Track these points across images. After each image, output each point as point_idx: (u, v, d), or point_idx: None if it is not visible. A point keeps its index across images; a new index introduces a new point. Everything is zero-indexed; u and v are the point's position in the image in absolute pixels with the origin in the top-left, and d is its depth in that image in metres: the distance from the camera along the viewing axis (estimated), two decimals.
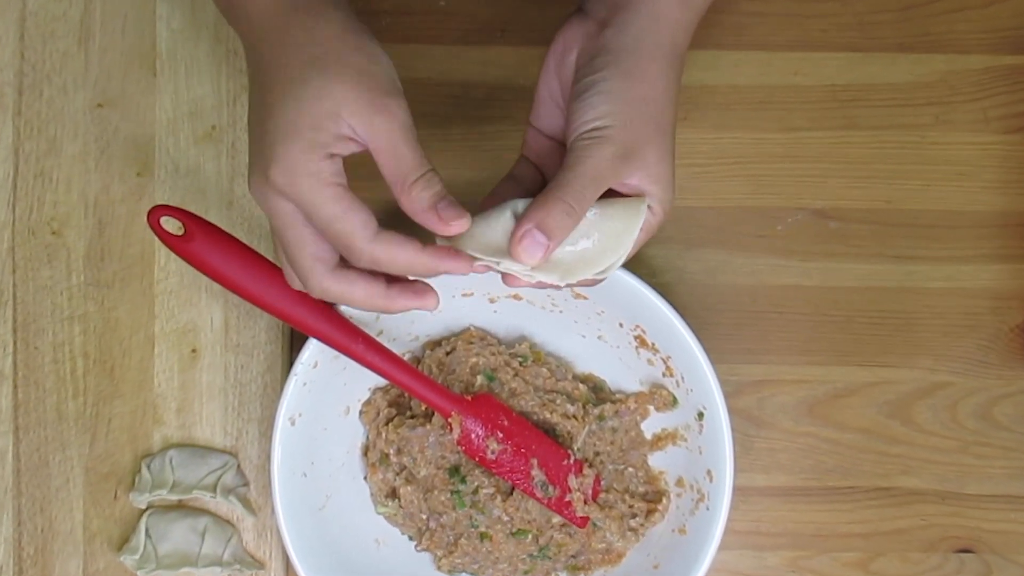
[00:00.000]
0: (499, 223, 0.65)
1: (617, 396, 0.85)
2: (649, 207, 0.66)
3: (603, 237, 0.65)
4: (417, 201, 0.62)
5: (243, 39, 0.67)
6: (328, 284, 0.65)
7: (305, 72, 0.62)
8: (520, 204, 0.65)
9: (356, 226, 0.62)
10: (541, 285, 0.66)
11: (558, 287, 0.66)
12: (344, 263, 0.66)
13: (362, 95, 0.61)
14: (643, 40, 0.66)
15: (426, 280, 0.69)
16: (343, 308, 0.76)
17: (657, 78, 0.66)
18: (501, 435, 0.80)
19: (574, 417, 0.83)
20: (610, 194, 0.66)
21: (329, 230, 0.63)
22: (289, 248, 0.65)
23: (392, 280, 0.68)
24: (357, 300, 0.67)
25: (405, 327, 0.83)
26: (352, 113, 0.61)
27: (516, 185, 0.72)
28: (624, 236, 0.66)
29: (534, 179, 0.72)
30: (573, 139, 0.65)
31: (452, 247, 0.65)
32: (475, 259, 0.65)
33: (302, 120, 0.61)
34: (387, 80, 0.63)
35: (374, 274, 0.66)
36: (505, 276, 0.67)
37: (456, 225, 0.63)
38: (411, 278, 0.69)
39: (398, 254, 0.63)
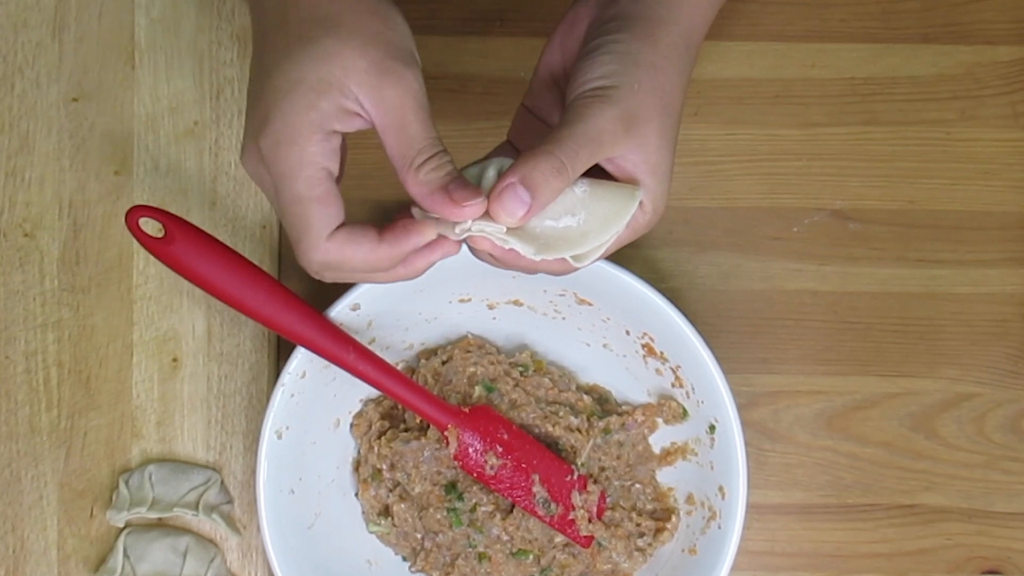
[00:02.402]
0: (481, 180, 0.63)
1: (624, 408, 0.85)
2: (640, 203, 0.65)
3: (589, 218, 0.63)
4: (424, 183, 0.60)
5: None
6: (330, 247, 0.62)
7: (313, 31, 0.59)
8: (507, 162, 0.63)
9: (317, 216, 0.60)
10: (509, 263, 0.64)
11: (533, 267, 0.64)
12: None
13: (373, 62, 0.59)
14: (660, 11, 0.65)
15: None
16: (332, 315, 0.76)
17: (671, 48, 0.64)
18: (500, 449, 0.80)
19: (578, 430, 0.83)
20: (604, 178, 0.65)
21: (287, 210, 0.61)
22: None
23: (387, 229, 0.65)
24: (360, 260, 0.63)
25: (399, 335, 0.83)
26: (360, 83, 0.59)
27: None
28: (611, 221, 0.64)
29: None
30: (574, 97, 0.63)
31: (412, 221, 0.62)
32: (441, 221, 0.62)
33: (304, 79, 0.59)
34: (403, 48, 0.61)
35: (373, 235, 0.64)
36: (473, 241, 0.63)
37: (470, 207, 0.60)
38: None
39: (353, 253, 0.61)
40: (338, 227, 0.62)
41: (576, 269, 0.65)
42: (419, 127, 0.60)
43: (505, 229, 0.62)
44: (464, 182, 0.60)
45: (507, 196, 0.60)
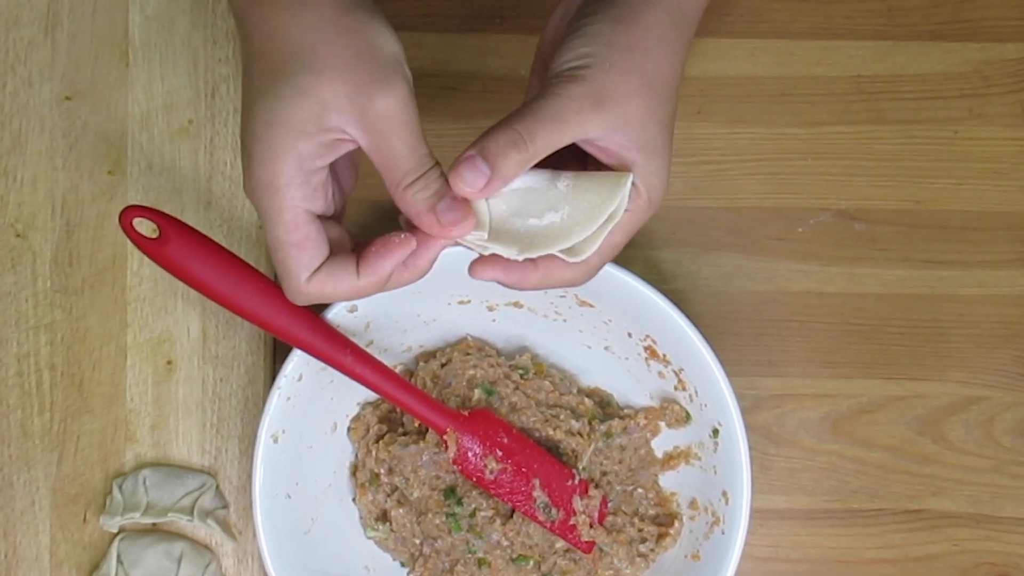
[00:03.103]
0: None
1: (626, 411, 0.84)
2: (633, 184, 0.64)
3: (574, 211, 0.64)
4: (412, 204, 0.61)
5: (235, 19, 0.66)
6: (310, 289, 0.64)
7: (289, 64, 0.60)
8: None
9: (296, 263, 0.62)
10: (516, 284, 0.65)
11: (541, 282, 0.64)
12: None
13: (353, 89, 0.59)
14: None
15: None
16: (329, 316, 0.76)
17: (651, 27, 0.64)
18: (500, 453, 0.79)
19: (579, 434, 0.82)
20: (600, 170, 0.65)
21: (272, 253, 0.63)
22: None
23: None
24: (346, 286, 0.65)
25: (397, 337, 0.83)
26: (340, 111, 0.60)
27: None
28: (598, 211, 0.63)
29: None
30: (548, 80, 0.64)
31: (385, 243, 0.63)
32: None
33: (280, 123, 0.60)
34: (386, 64, 0.61)
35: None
36: (476, 272, 0.65)
37: (459, 228, 0.62)
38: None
39: (335, 290, 0.63)
40: (319, 266, 0.63)
41: (579, 271, 0.65)
42: (404, 148, 0.61)
43: (486, 236, 0.63)
44: (452, 203, 0.61)
45: (465, 167, 0.61)
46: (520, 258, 0.63)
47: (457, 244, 0.64)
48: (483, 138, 0.62)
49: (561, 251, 0.64)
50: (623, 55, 0.63)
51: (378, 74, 0.60)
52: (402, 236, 0.63)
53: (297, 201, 0.61)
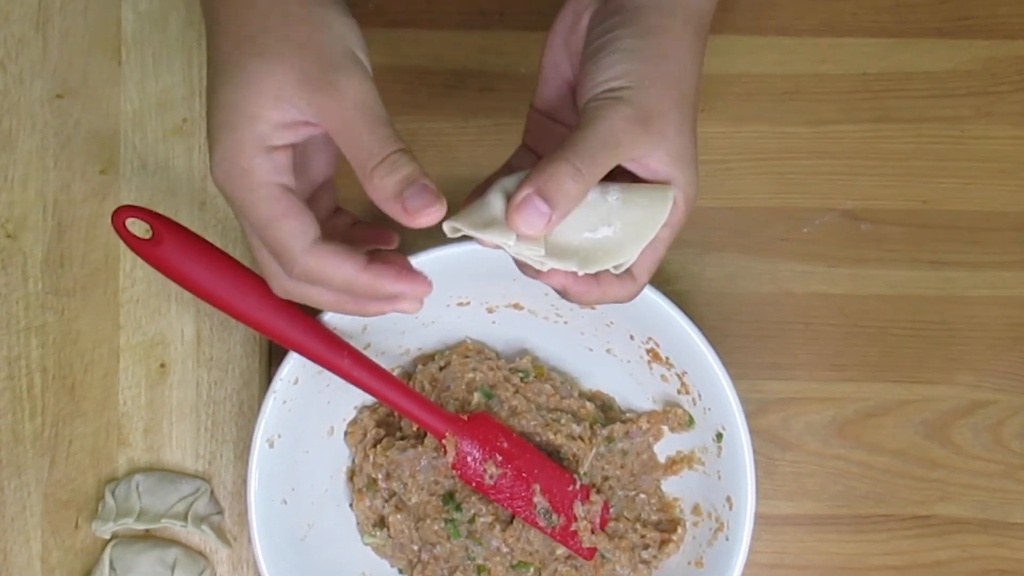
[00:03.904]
0: (495, 199, 0.63)
1: (628, 415, 0.84)
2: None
3: (625, 226, 0.64)
4: (379, 189, 0.60)
5: (202, 10, 0.66)
6: (310, 260, 0.62)
7: (241, 53, 0.60)
8: (509, 181, 0.63)
9: (288, 234, 0.61)
10: (578, 298, 0.65)
11: (601, 296, 0.65)
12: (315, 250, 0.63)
13: (305, 76, 0.59)
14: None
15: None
16: (326, 319, 0.76)
17: (678, 37, 0.64)
18: (500, 458, 0.79)
19: (580, 438, 0.82)
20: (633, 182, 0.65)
21: (262, 235, 0.62)
22: (251, 240, 0.64)
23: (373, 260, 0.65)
24: (335, 279, 0.63)
25: (395, 339, 0.83)
26: (296, 95, 0.60)
27: None
28: (648, 226, 0.64)
29: None
30: (586, 101, 0.63)
31: (405, 266, 0.63)
32: (477, 237, 0.63)
33: (238, 108, 0.60)
34: (338, 52, 0.60)
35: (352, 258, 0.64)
36: (522, 266, 0.65)
37: (425, 216, 0.59)
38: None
39: (335, 270, 0.62)
40: (320, 241, 0.62)
41: (632, 290, 0.66)
42: (365, 132, 0.60)
43: (543, 251, 0.62)
44: (420, 188, 0.59)
45: (525, 208, 0.60)
46: (581, 273, 0.63)
47: (514, 259, 0.64)
48: (539, 174, 0.60)
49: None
50: (659, 68, 0.63)
51: (328, 63, 0.60)
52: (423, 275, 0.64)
53: (269, 176, 0.61)
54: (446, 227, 0.62)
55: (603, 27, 0.65)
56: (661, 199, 0.64)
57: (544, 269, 0.63)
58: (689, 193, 0.65)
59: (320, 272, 0.62)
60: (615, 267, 0.64)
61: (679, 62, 0.64)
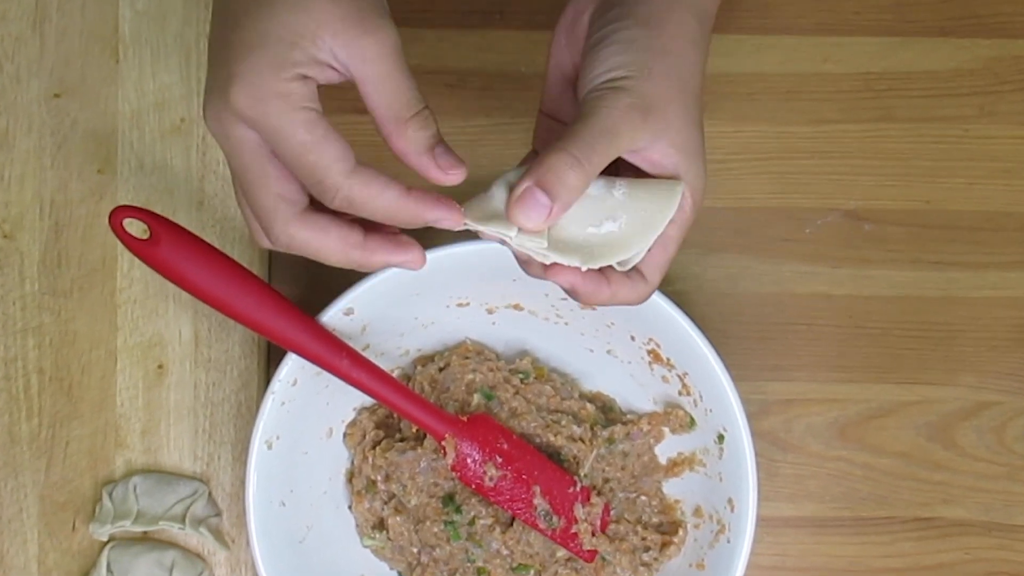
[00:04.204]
0: (498, 191, 0.63)
1: (628, 417, 0.84)
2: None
3: (631, 220, 0.63)
4: (412, 142, 0.59)
5: None
6: (295, 230, 0.62)
7: None
8: (512, 174, 0.63)
9: (331, 158, 0.59)
10: (587, 298, 0.64)
11: (611, 298, 0.64)
12: (314, 207, 0.63)
13: (348, 13, 0.58)
14: None
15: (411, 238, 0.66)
16: (325, 320, 0.76)
17: (679, 27, 0.64)
18: (500, 460, 0.79)
19: (581, 440, 0.82)
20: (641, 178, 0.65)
21: (299, 162, 0.60)
22: (250, 188, 0.62)
23: (369, 230, 0.64)
24: (329, 250, 0.63)
25: (394, 341, 0.82)
26: (335, 34, 0.58)
27: None
28: (655, 221, 0.63)
29: None
30: (585, 93, 0.63)
31: (442, 196, 0.62)
32: (479, 230, 0.63)
33: (274, 31, 0.58)
34: (374, 5, 0.59)
35: (350, 221, 0.63)
36: (522, 261, 0.64)
37: (454, 174, 0.60)
38: (393, 230, 0.66)
39: (378, 195, 0.60)
40: (361, 165, 0.60)
41: (643, 291, 0.65)
42: (403, 79, 0.59)
43: (546, 244, 0.62)
44: (447, 148, 0.60)
45: (525, 201, 0.60)
46: (584, 268, 0.63)
47: (517, 249, 0.63)
48: (538, 167, 0.60)
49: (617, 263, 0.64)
50: (659, 59, 0.63)
51: (368, 5, 0.59)
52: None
53: (306, 101, 0.59)
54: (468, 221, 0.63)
55: (602, 20, 0.65)
56: (668, 193, 0.63)
57: (547, 262, 0.63)
58: (697, 187, 0.64)
59: (364, 197, 0.60)
60: (621, 264, 0.64)
61: (680, 54, 0.64)
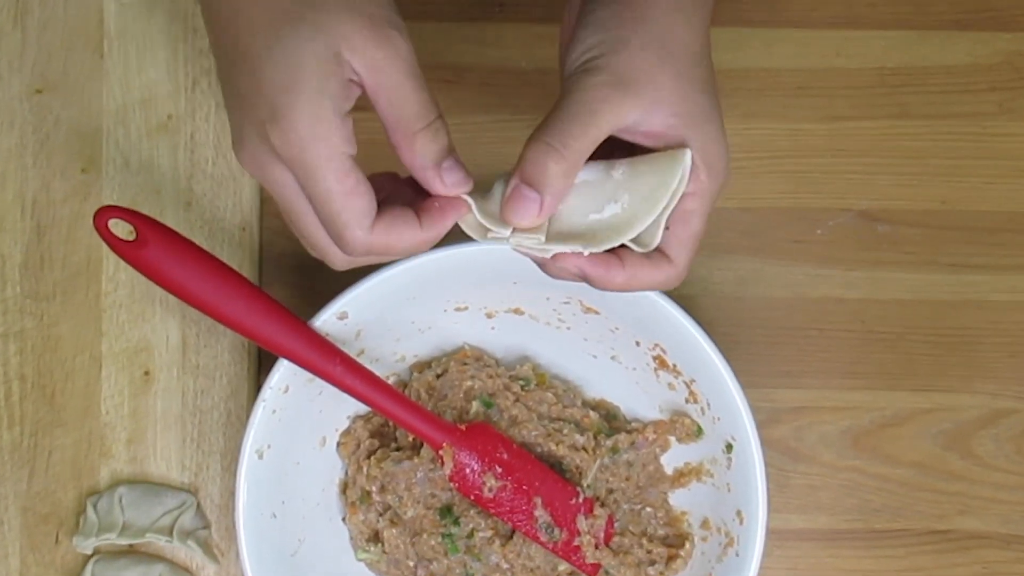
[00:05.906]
0: (498, 191, 0.64)
1: (633, 425, 0.84)
2: (692, 162, 0.63)
3: (635, 198, 0.63)
4: (420, 156, 0.61)
5: None
6: (373, 239, 0.63)
7: (296, 6, 0.59)
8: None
9: (355, 213, 0.61)
10: (599, 283, 0.64)
11: (626, 284, 0.64)
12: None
13: (360, 26, 0.59)
14: None
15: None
16: (318, 324, 0.76)
17: None
18: (500, 470, 0.79)
19: (584, 449, 0.82)
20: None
21: (323, 208, 0.61)
22: (300, 220, 0.64)
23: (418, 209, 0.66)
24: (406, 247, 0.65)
25: (390, 346, 0.82)
26: (352, 49, 0.59)
27: None
28: (659, 193, 0.63)
29: None
30: (564, 81, 0.64)
31: (448, 206, 0.64)
32: (487, 231, 0.64)
33: (306, 67, 0.59)
34: (388, 10, 0.61)
35: (401, 206, 0.65)
36: (540, 264, 0.65)
37: (460, 188, 0.62)
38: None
39: (397, 242, 0.62)
40: (378, 217, 0.62)
41: (670, 274, 0.65)
42: (412, 91, 0.60)
43: (543, 239, 0.63)
44: (455, 162, 0.62)
45: (515, 199, 0.62)
46: (586, 253, 0.63)
47: (516, 250, 0.64)
48: (520, 164, 0.62)
49: (632, 244, 0.64)
50: (634, 30, 0.63)
51: (382, 15, 0.60)
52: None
53: (343, 147, 0.60)
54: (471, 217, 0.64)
55: (584, 9, 0.65)
56: (670, 163, 0.63)
57: (547, 256, 0.63)
58: (711, 152, 0.64)
59: (382, 247, 0.62)
60: (639, 245, 0.64)
61: (657, 21, 0.63)
